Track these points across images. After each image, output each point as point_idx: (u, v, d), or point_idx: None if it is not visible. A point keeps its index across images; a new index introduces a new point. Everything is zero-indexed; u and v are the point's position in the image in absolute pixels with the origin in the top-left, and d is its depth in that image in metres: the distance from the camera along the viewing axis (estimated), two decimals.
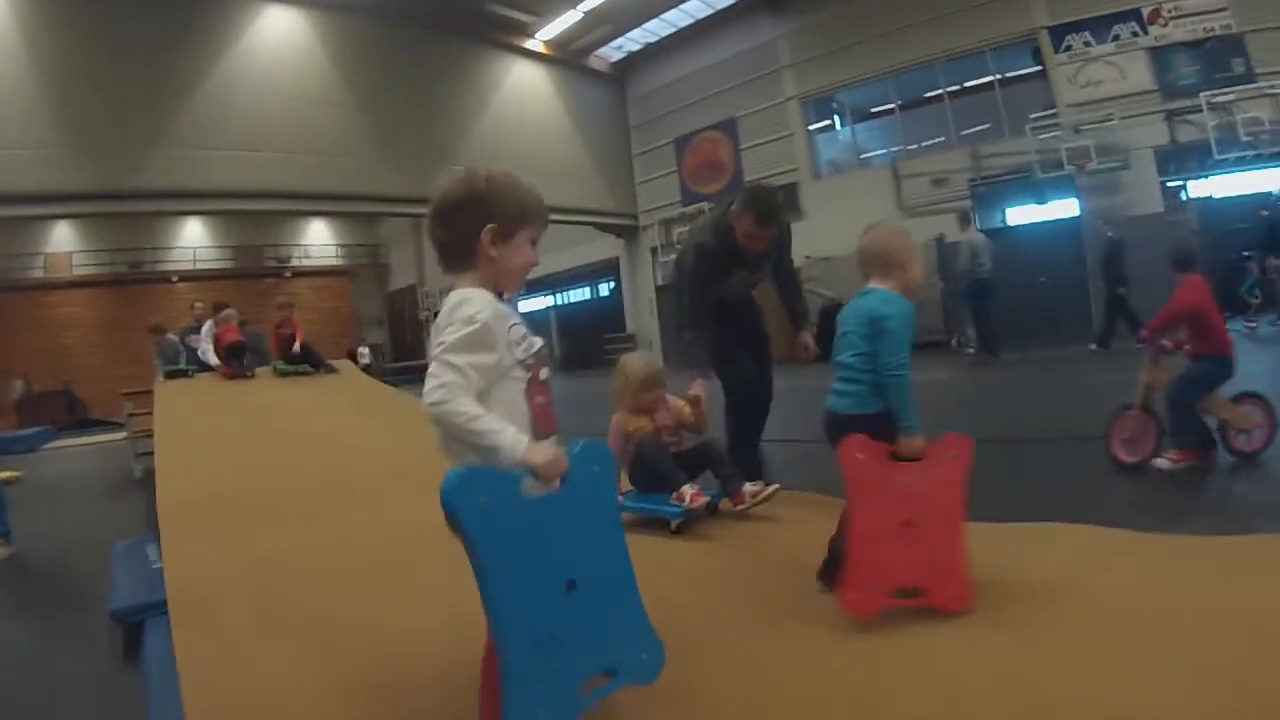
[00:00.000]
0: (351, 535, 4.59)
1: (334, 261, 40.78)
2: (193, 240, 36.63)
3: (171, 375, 11.46)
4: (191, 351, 11.96)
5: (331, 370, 11.72)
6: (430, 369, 2.00)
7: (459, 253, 2.19)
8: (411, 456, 6.47)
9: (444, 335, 2.02)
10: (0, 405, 28.37)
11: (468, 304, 2.06)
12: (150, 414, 10.49)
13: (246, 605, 3.45)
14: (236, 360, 11.27)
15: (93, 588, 5.10)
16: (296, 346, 11.52)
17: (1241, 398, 5.14)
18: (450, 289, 2.17)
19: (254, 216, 33.42)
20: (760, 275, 5.03)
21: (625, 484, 4.29)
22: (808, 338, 5.11)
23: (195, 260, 36.45)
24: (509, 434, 1.97)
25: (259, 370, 11.38)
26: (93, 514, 9.35)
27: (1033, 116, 18.21)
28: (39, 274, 33.34)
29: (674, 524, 3.95)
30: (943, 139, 21.64)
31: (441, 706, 2.36)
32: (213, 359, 11.51)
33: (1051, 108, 18.44)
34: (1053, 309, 15.13)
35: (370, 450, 7.26)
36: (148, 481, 9.97)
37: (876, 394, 2.82)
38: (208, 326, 11.77)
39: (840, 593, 2.67)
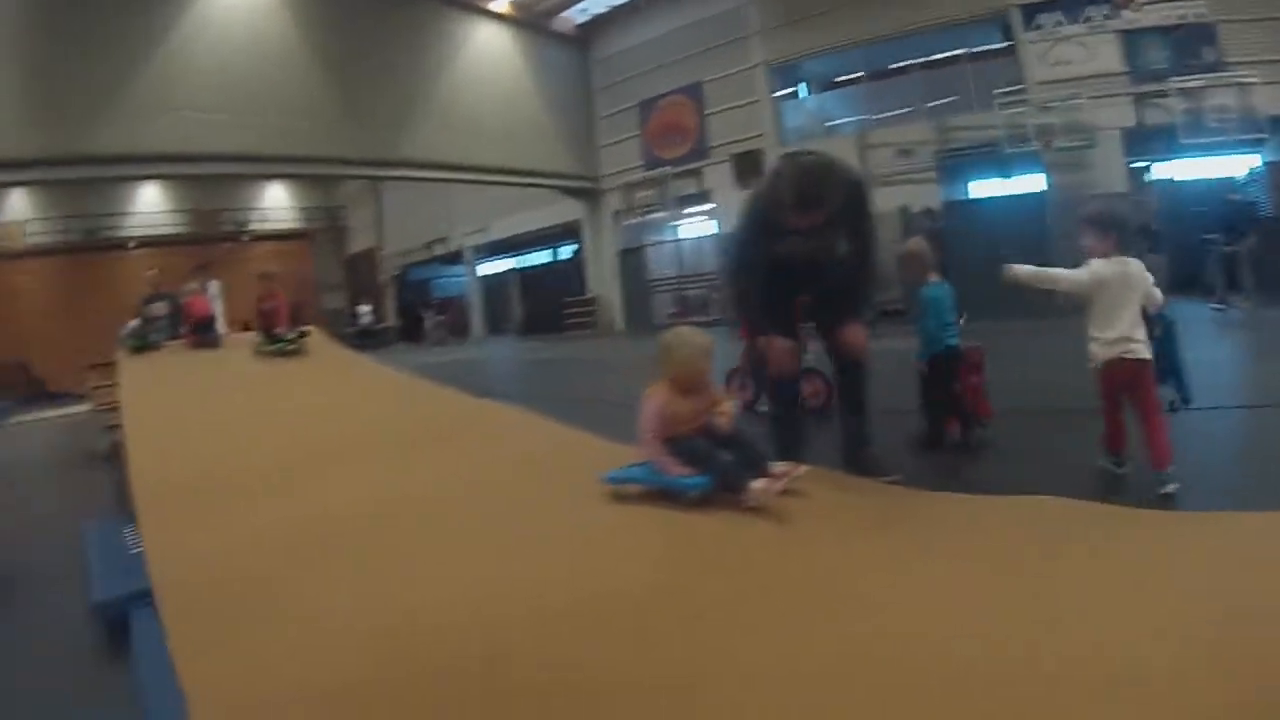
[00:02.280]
0: (339, 508, 4.37)
1: (292, 225, 40.45)
2: (149, 205, 36.22)
3: (139, 349, 10.83)
4: (149, 322, 11.38)
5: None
6: None
7: None
8: (390, 422, 6.66)
9: None
10: None
11: None
12: (114, 386, 10.53)
13: (240, 591, 3.27)
14: (205, 330, 11.19)
15: (60, 572, 5.01)
16: (283, 326, 10.79)
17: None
18: None
19: (211, 180, 33.11)
20: (824, 242, 4.36)
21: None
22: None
23: (152, 226, 36.00)
24: None
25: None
26: (55, 490, 9.22)
27: (999, 91, 18.53)
28: None
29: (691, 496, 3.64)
30: (910, 110, 21.66)
31: (462, 689, 2.33)
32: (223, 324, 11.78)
33: (1020, 84, 18.67)
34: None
35: (348, 419, 7.05)
36: (114, 456, 9.93)
37: None
38: (215, 286, 12.34)
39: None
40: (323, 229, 41.36)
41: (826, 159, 4.39)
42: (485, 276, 35.33)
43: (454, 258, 35.83)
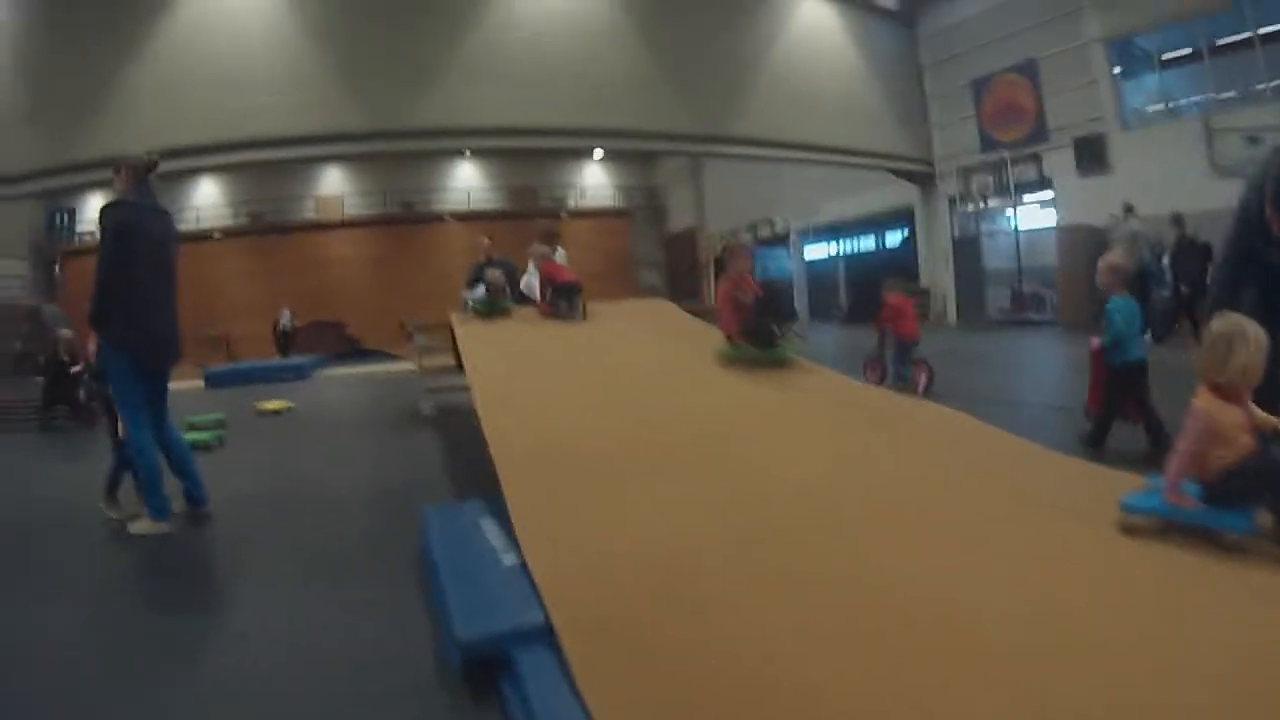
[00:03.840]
0: (753, 498, 4.50)
1: (611, 203, 43.35)
2: (465, 181, 40.36)
3: (483, 312, 11.08)
4: (496, 289, 11.36)
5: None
6: None
7: None
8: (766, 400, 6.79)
9: None
10: (267, 335, 32.66)
11: None
12: (447, 349, 11.68)
13: (665, 624, 3.16)
14: (566, 302, 10.93)
15: (400, 561, 5.13)
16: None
17: None
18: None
19: (527, 158, 37.21)
20: None
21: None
22: None
23: (470, 202, 40.02)
24: None
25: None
26: (380, 453, 9.84)
27: None
28: (311, 215, 38.50)
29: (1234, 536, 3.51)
30: (1257, 88, 20.98)
31: None
32: (538, 296, 11.45)
33: None
34: None
35: (715, 391, 7.21)
36: (439, 421, 11.55)
37: None
38: (562, 256, 12.13)
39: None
40: (642, 207, 43.83)
41: None
42: (811, 261, 36.56)
43: (779, 240, 37.18)
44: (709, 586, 3.46)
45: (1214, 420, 3.55)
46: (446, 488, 7.38)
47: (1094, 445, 6.65)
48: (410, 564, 5.05)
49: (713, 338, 8.77)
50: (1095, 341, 7.03)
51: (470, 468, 7.68)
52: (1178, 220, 17.47)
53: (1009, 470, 4.95)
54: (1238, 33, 21.49)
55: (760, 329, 7.46)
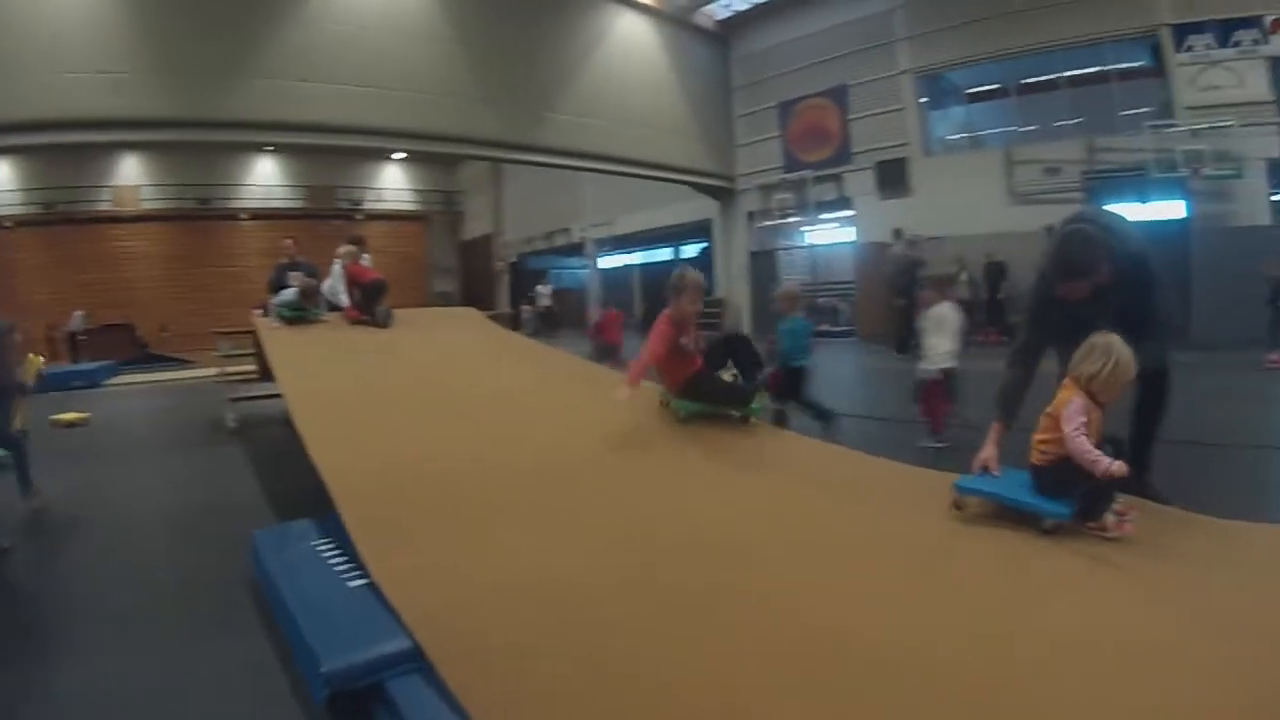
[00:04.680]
0: (605, 533, 4.42)
1: (408, 206, 42.70)
2: (264, 178, 38.71)
3: (293, 319, 10.78)
4: (307, 295, 11.17)
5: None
6: None
7: None
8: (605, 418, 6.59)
9: None
10: (57, 339, 30.19)
11: None
12: (250, 355, 11.26)
13: (549, 652, 3.13)
14: (372, 304, 11.07)
15: (233, 590, 4.78)
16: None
17: None
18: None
19: (328, 157, 35.76)
20: (1103, 306, 4.84)
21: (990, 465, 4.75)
22: None
23: (267, 199, 38.46)
24: None
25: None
26: (187, 473, 9.06)
27: (1147, 114, 19.87)
28: (106, 207, 35.63)
29: (1048, 524, 4.25)
30: (1057, 125, 22.80)
31: None
32: (345, 300, 11.36)
33: (1166, 105, 19.79)
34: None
35: (557, 410, 7.31)
36: (244, 434, 10.97)
37: None
38: (338, 266, 11.70)
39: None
40: (439, 212, 43.24)
41: (1092, 230, 4.90)
42: (606, 270, 36.57)
43: (575, 249, 37.09)
44: (592, 611, 3.47)
45: (1085, 413, 4.22)
46: (269, 508, 6.98)
47: (826, 422, 8.32)
48: (244, 592, 4.77)
49: (532, 349, 10.16)
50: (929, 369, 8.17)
51: (290, 485, 7.32)
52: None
53: (856, 484, 5.36)
54: (1044, 74, 23.06)
55: (734, 390, 6.81)
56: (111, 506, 7.53)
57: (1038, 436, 4.45)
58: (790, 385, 8.27)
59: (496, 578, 3.78)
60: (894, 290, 19.48)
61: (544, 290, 28.97)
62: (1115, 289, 4.84)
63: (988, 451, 4.84)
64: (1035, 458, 4.43)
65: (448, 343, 10.57)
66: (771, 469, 5.75)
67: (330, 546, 4.46)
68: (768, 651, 3.08)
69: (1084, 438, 4.14)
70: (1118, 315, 4.76)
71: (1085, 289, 4.77)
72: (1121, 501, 4.22)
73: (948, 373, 7.98)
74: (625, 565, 3.96)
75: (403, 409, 6.99)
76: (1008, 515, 4.37)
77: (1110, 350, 4.23)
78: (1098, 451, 4.11)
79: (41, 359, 11.85)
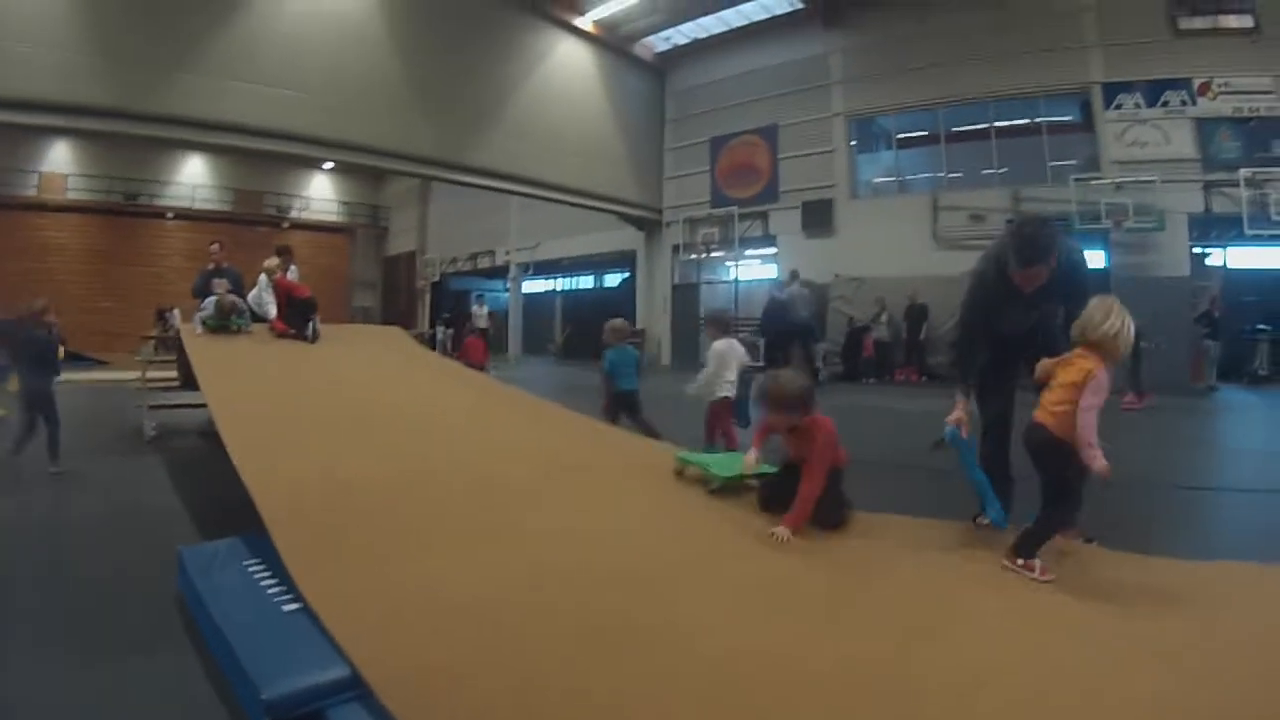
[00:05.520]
0: (555, 552, 4.33)
1: (334, 218, 42.38)
2: (193, 178, 38.14)
3: (217, 329, 10.35)
4: (230, 305, 10.55)
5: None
6: None
7: None
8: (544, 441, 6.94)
9: None
10: None
11: None
12: (172, 363, 10.89)
13: (488, 681, 2.98)
14: (301, 320, 10.77)
15: (157, 611, 4.32)
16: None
17: None
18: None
19: (258, 162, 35.24)
20: (1039, 312, 5.13)
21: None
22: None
23: (193, 199, 37.93)
24: None
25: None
26: (107, 479, 8.33)
27: (1073, 166, 20.44)
28: (32, 193, 34.61)
29: (984, 520, 4.82)
30: (985, 174, 23.31)
31: None
32: (272, 312, 10.95)
33: (1093, 159, 20.35)
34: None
35: (491, 431, 7.34)
36: (160, 444, 10.15)
37: None
38: (265, 277, 11.27)
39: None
40: (364, 226, 43.13)
41: (1047, 224, 5.15)
42: (528, 295, 36.42)
43: (499, 272, 37.04)
44: (528, 631, 3.35)
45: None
46: (191, 521, 6.44)
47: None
48: (169, 614, 4.31)
49: (459, 372, 10.53)
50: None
51: (213, 498, 6.80)
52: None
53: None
54: (974, 123, 23.43)
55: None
56: (24, 511, 6.94)
57: (1050, 397, 4.33)
58: (624, 406, 8.95)
59: (432, 597, 3.63)
60: (762, 329, 20.32)
61: (479, 311, 28.34)
62: (1052, 291, 4.93)
63: (958, 414, 4.98)
64: (1042, 416, 4.32)
65: (375, 361, 10.42)
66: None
67: (260, 567, 4.18)
68: (701, 676, 3.04)
69: (1094, 420, 4.05)
70: (1043, 327, 5.12)
71: (1044, 275, 4.79)
72: (1066, 539, 4.44)
73: (726, 400, 8.53)
74: (559, 588, 3.83)
75: (332, 425, 6.79)
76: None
77: (1122, 308, 4.22)
78: (1098, 443, 3.99)
79: None
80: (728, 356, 8.61)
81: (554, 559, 4.19)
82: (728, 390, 8.51)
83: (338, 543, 4.23)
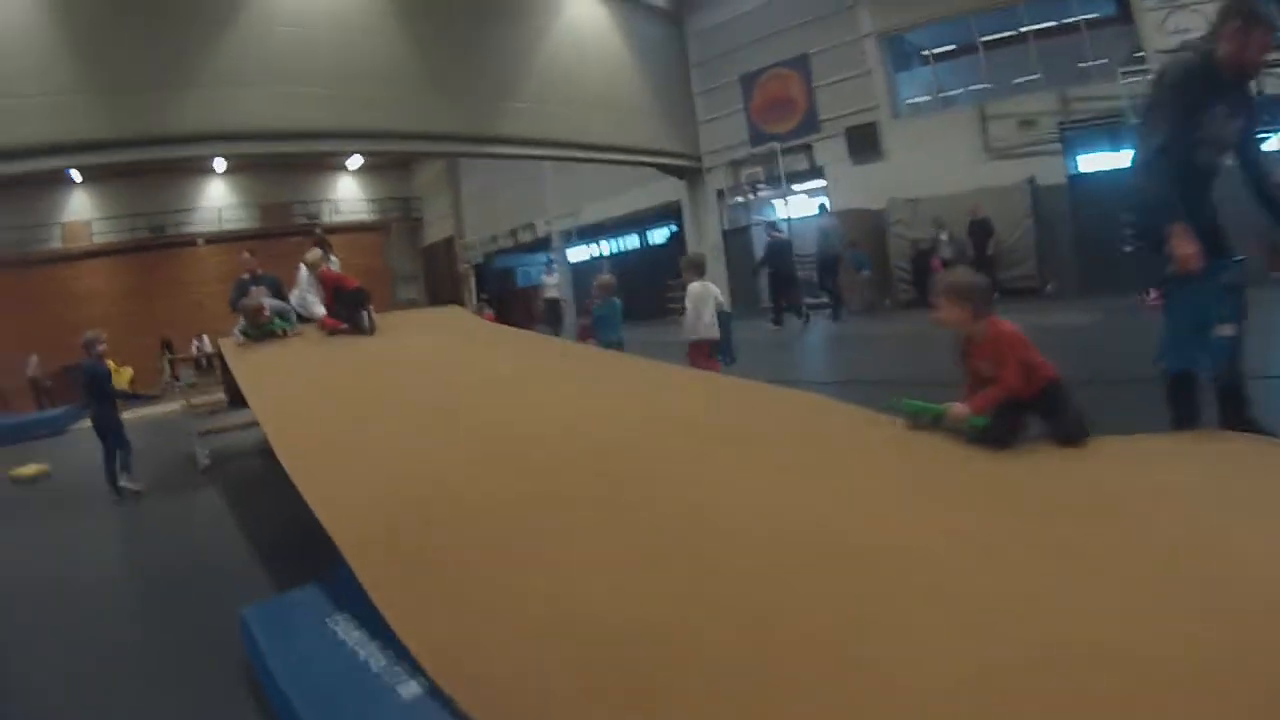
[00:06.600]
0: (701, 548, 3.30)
1: (365, 217, 42.43)
2: (217, 200, 38.22)
3: (260, 336, 9.84)
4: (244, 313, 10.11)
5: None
6: None
7: None
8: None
9: None
10: (14, 386, 29.83)
11: None
12: (216, 383, 10.79)
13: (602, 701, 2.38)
14: (354, 312, 10.12)
15: (221, 678, 3.79)
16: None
17: None
18: None
19: (281, 173, 35.60)
20: (1242, 122, 4.43)
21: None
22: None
23: (220, 221, 38.00)
24: None
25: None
26: (160, 523, 8.15)
27: (1121, 61, 19.83)
28: (56, 245, 34.85)
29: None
30: (1031, 79, 22.48)
31: None
32: (319, 310, 10.49)
33: (1138, 52, 19.72)
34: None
35: (598, 399, 6.32)
36: (221, 470, 10.08)
37: None
38: (306, 272, 10.84)
39: None
40: (397, 220, 43.08)
41: None
42: (575, 264, 36.03)
43: (542, 244, 36.70)
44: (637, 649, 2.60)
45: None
46: (258, 568, 5.73)
47: None
48: (233, 696, 3.60)
49: (527, 339, 10.39)
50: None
51: (278, 533, 6.37)
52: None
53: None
54: (1008, 29, 22.98)
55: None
56: (78, 570, 6.62)
57: None
58: None
59: (578, 637, 2.73)
60: (763, 267, 21.18)
61: (550, 280, 28.00)
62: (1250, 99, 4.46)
63: (1190, 247, 4.29)
64: None
65: (445, 345, 9.59)
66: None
67: (351, 623, 3.32)
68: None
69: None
70: (1246, 147, 4.57)
71: (1269, 45, 4.26)
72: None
73: (703, 343, 9.19)
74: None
75: (411, 423, 5.74)
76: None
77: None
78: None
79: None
80: (704, 297, 9.20)
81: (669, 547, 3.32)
82: (705, 332, 9.15)
83: (442, 572, 3.39)
